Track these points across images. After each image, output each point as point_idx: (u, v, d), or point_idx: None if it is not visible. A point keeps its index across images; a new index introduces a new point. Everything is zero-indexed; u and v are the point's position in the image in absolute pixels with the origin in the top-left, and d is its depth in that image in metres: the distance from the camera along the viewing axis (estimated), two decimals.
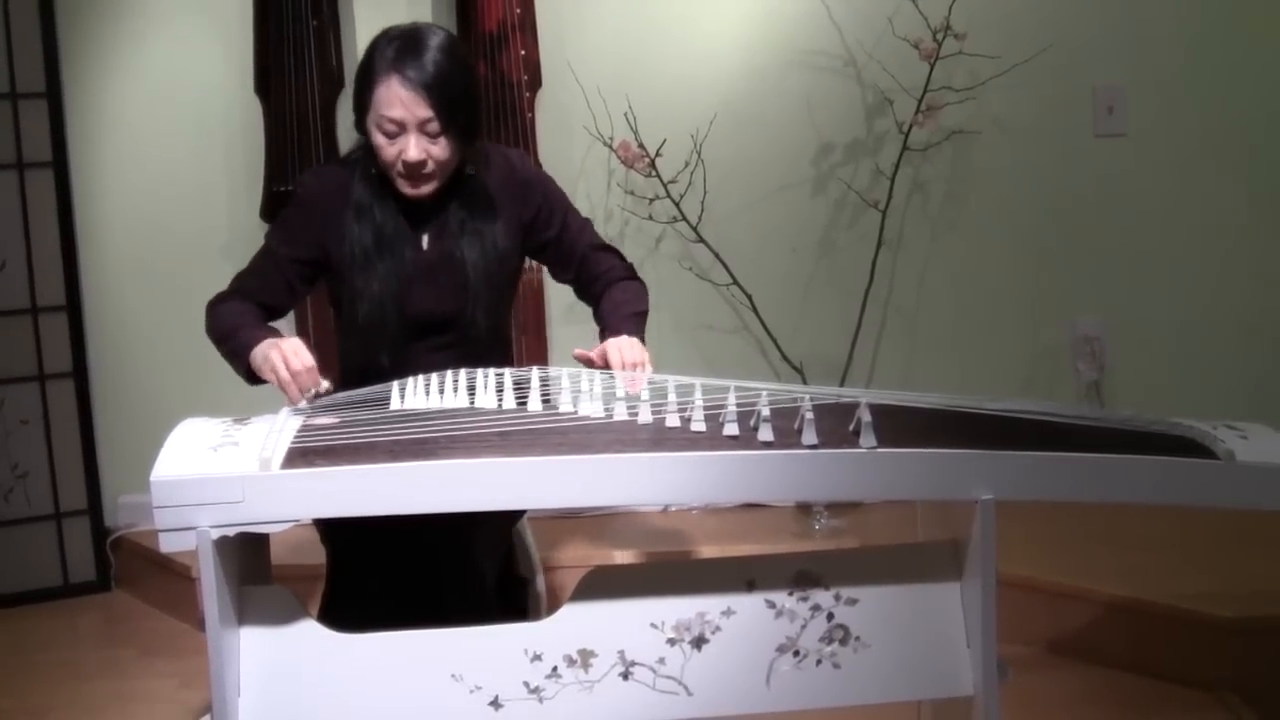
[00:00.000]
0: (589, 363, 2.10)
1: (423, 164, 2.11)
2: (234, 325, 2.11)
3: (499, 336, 2.32)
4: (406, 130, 2.09)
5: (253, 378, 2.08)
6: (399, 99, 2.07)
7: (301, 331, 3.20)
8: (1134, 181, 3.54)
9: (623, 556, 3.02)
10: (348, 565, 2.16)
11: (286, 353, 1.97)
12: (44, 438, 3.36)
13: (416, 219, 2.22)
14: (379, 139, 2.11)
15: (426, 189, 2.16)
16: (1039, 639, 2.78)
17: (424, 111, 2.08)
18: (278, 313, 2.24)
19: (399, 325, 2.20)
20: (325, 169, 2.36)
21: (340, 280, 2.23)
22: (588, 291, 2.33)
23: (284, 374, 1.96)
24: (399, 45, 2.10)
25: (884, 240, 3.42)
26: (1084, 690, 2.61)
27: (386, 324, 2.19)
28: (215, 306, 2.18)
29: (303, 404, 1.95)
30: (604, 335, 2.18)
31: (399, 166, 2.12)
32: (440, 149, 2.12)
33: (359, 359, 2.24)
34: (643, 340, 2.17)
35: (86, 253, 3.41)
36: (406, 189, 2.16)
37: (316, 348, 2.16)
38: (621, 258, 2.35)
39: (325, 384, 1.98)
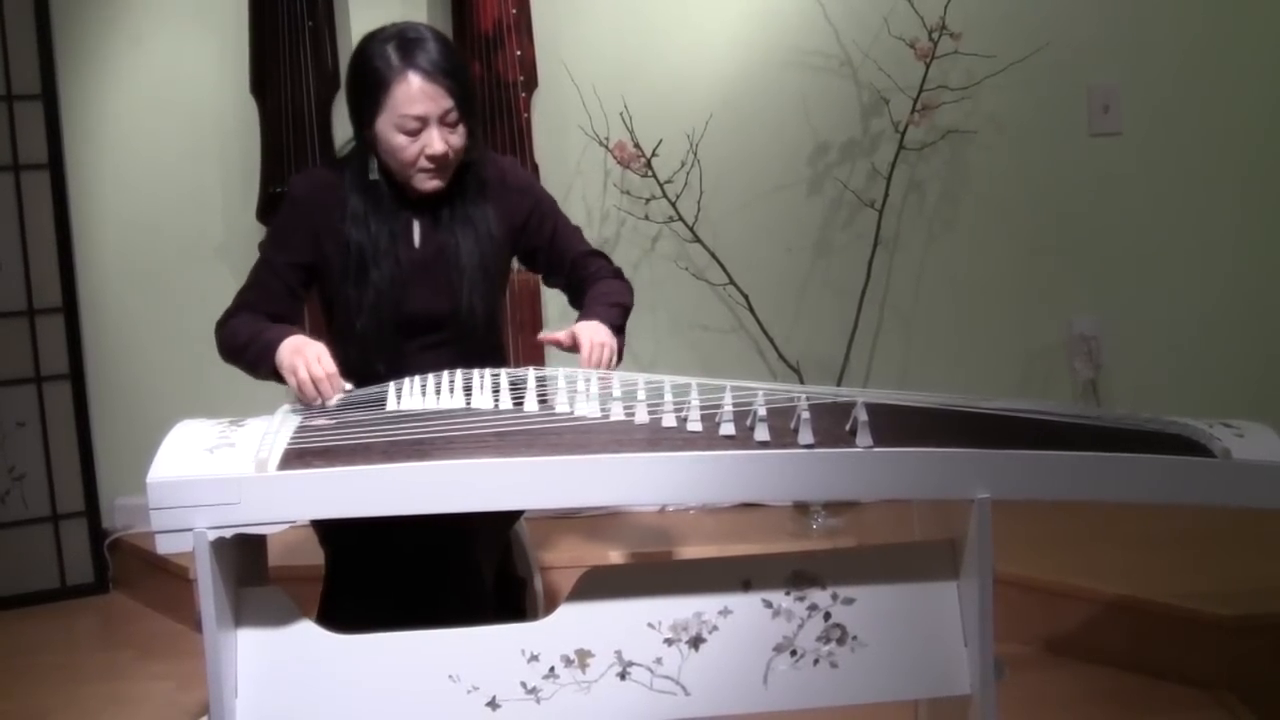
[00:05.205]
0: (557, 343, 2.13)
1: (446, 155, 2.13)
2: (252, 332, 2.10)
3: (494, 331, 2.32)
4: (429, 124, 2.11)
5: (276, 376, 2.07)
6: (422, 93, 2.09)
7: None
8: (1129, 180, 3.54)
9: (619, 557, 3.02)
10: (346, 566, 2.16)
11: (310, 359, 1.97)
12: (41, 439, 3.36)
13: (408, 215, 2.23)
14: (399, 139, 2.12)
15: (445, 180, 2.18)
16: (1036, 638, 2.78)
17: (446, 102, 2.11)
18: (285, 321, 2.23)
19: (395, 329, 2.21)
20: (314, 171, 2.36)
21: (333, 286, 2.23)
22: (578, 293, 2.34)
23: (304, 376, 1.96)
24: (399, 43, 2.11)
25: (880, 239, 3.42)
26: (1081, 689, 2.61)
27: (383, 332, 2.21)
28: (224, 326, 2.18)
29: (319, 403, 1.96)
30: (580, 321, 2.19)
31: (422, 162, 2.13)
32: (458, 137, 2.15)
33: (354, 363, 2.23)
34: (620, 329, 2.20)
35: (83, 254, 3.41)
36: (426, 184, 2.16)
37: None
38: (610, 261, 2.37)
39: (347, 386, 2.00)
